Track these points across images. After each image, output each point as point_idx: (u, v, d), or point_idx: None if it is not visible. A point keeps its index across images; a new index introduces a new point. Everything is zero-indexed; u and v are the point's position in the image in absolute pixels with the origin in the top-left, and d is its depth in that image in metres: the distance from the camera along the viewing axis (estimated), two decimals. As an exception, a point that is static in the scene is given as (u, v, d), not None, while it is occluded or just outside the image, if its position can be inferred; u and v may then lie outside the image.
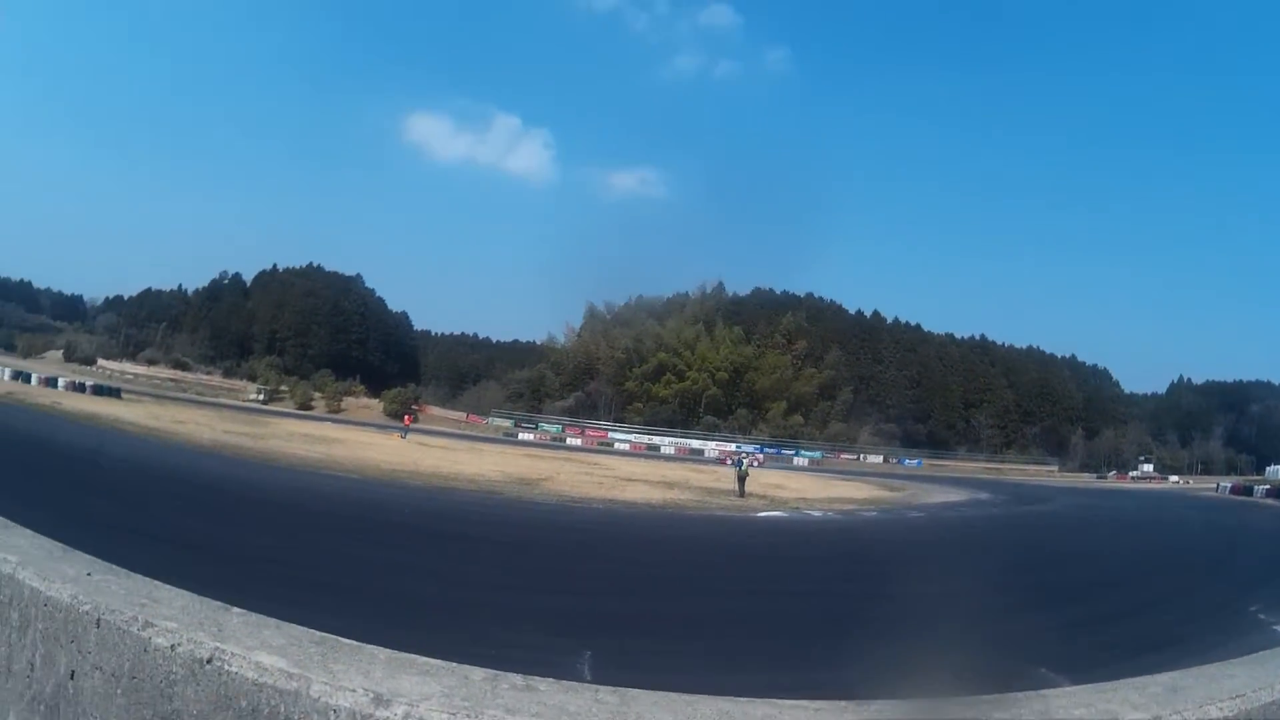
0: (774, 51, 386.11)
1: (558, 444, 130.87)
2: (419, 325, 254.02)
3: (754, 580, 22.50)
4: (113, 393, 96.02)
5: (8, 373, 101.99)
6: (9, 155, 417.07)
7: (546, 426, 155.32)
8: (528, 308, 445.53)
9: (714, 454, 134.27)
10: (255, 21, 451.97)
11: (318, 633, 2.99)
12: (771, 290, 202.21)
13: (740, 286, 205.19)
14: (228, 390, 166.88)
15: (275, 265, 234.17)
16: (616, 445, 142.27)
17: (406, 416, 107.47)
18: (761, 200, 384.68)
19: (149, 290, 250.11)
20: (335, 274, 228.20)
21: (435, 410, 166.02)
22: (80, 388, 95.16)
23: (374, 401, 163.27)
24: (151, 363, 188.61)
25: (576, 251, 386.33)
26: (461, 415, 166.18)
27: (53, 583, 3.13)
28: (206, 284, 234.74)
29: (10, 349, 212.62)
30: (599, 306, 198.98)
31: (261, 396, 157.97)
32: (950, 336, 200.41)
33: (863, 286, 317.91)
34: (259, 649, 2.75)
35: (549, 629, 14.10)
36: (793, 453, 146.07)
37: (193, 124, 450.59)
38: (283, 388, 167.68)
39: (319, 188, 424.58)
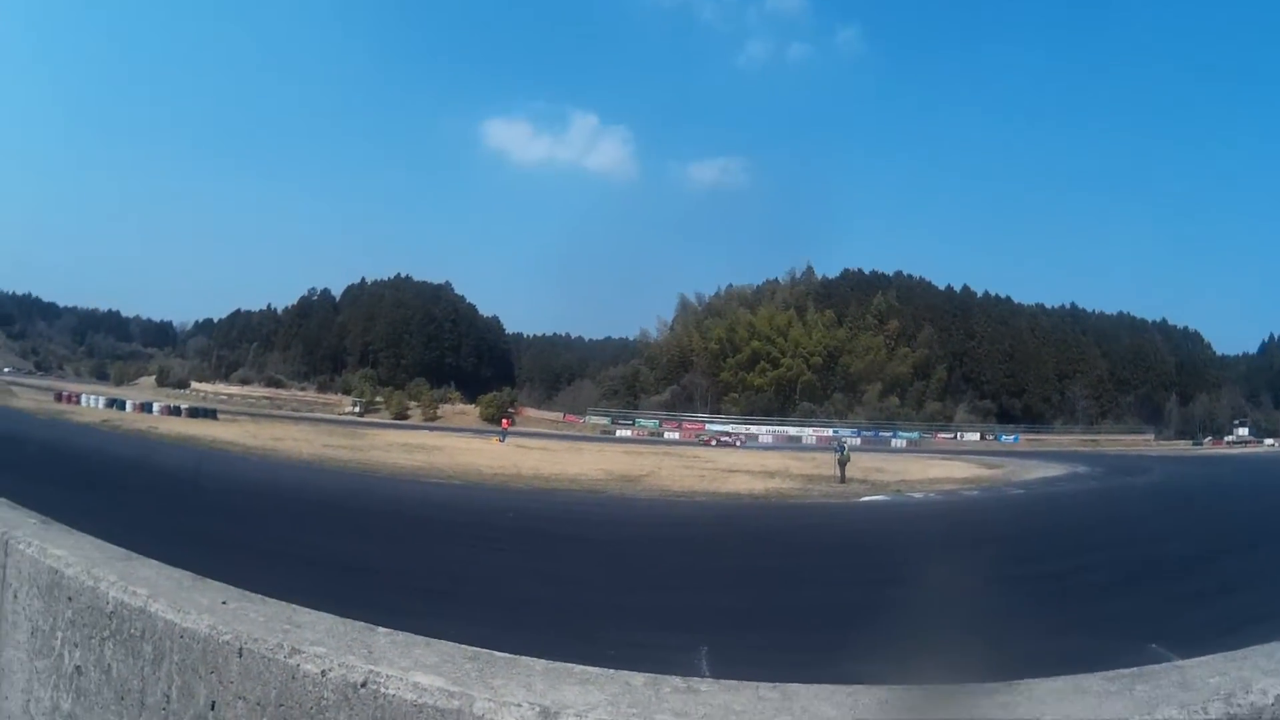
0: (845, 30, 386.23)
1: (655, 439, 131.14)
2: (511, 329, 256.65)
3: (862, 568, 22.29)
4: (208, 414, 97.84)
5: (102, 401, 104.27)
6: (91, 190, 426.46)
7: (644, 422, 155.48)
8: (619, 304, 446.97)
9: (812, 440, 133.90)
10: (331, 42, 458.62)
11: (470, 648, 2.90)
12: (860, 271, 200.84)
13: (829, 269, 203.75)
14: (323, 405, 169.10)
15: (363, 279, 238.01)
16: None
17: (505, 420, 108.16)
18: (844, 180, 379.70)
19: (238, 311, 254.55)
20: (424, 283, 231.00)
21: (532, 412, 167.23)
22: (175, 411, 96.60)
23: (470, 407, 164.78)
24: (245, 382, 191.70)
25: (663, 245, 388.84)
26: (558, 416, 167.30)
27: (188, 614, 3.06)
28: (295, 301, 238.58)
29: (103, 378, 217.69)
30: (690, 298, 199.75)
31: (357, 409, 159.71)
32: (1040, 307, 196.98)
33: (951, 260, 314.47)
34: (414, 669, 2.67)
35: (663, 626, 14.04)
36: (890, 435, 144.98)
37: (273, 145, 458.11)
38: (378, 399, 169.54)
39: (404, 200, 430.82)
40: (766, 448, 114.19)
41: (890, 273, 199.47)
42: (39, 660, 3.79)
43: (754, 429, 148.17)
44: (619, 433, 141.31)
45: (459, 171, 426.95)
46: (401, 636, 2.98)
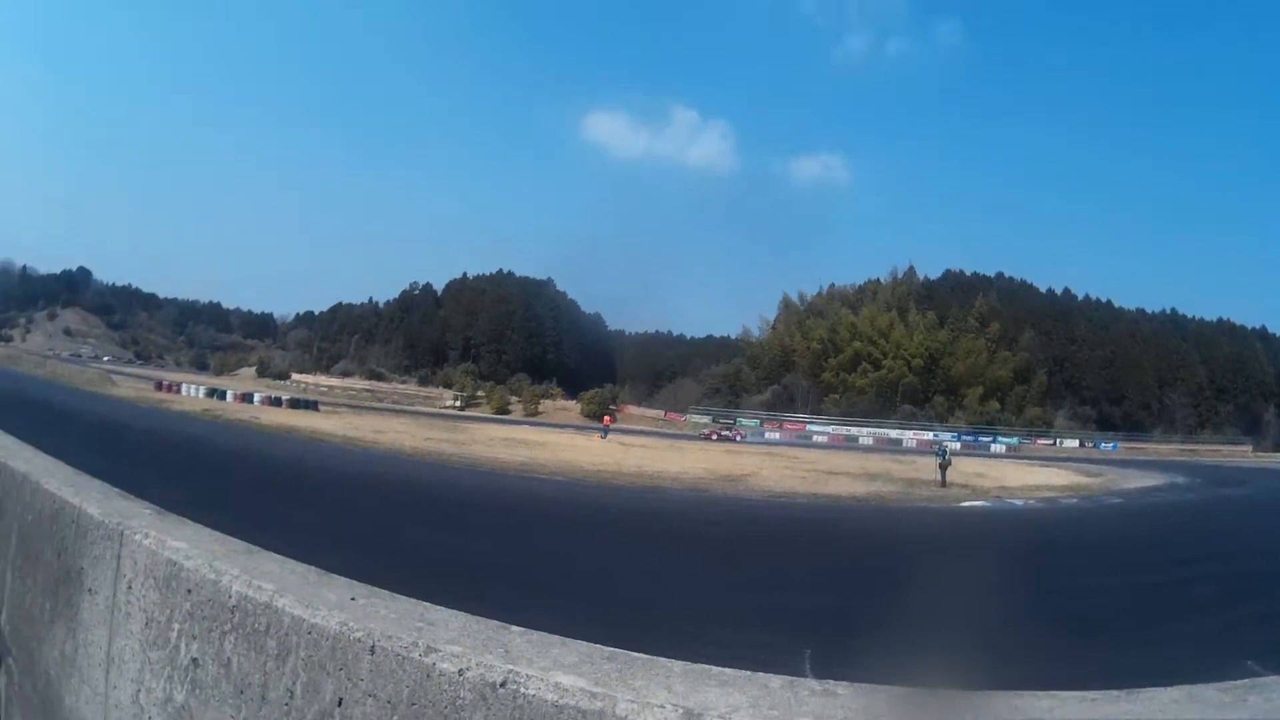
0: (944, 24, 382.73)
1: (756, 439, 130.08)
2: (613, 325, 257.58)
3: (961, 574, 22.11)
4: (309, 405, 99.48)
5: (203, 390, 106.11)
6: (191, 184, 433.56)
7: (745, 421, 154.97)
8: (721, 302, 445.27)
9: (912, 443, 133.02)
10: (431, 37, 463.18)
11: (606, 648, 2.83)
12: (962, 272, 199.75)
13: (931, 269, 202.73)
14: (424, 398, 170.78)
15: (465, 273, 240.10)
16: (815, 438, 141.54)
17: (606, 417, 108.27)
18: (944, 178, 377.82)
19: (339, 304, 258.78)
20: (526, 279, 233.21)
21: (633, 409, 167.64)
22: (277, 402, 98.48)
23: (571, 403, 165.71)
24: (346, 375, 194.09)
25: (765, 241, 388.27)
26: (659, 413, 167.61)
27: (317, 609, 3.01)
28: (397, 295, 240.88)
29: (203, 368, 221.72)
30: (793, 297, 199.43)
31: (458, 403, 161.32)
32: (1141, 312, 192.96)
33: (1051, 263, 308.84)
34: (553, 668, 2.59)
35: (766, 626, 13.93)
36: (990, 439, 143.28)
37: (375, 141, 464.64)
38: (479, 393, 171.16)
39: (505, 195, 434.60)
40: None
41: (991, 274, 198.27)
42: (153, 651, 3.76)
43: (854, 430, 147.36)
44: (720, 432, 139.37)
45: (559, 166, 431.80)
46: (537, 635, 2.93)
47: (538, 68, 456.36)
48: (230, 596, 3.34)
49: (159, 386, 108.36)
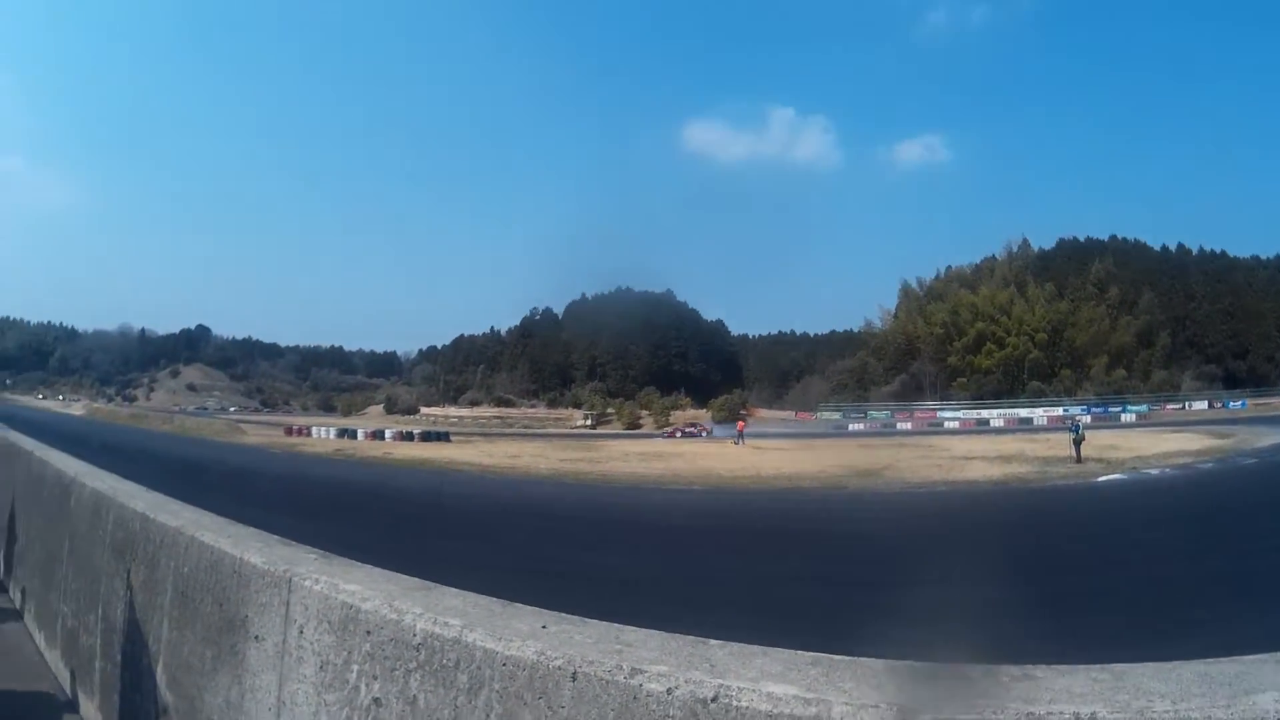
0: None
1: (888, 430, 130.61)
2: (736, 330, 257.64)
3: (1115, 550, 21.78)
4: (441, 437, 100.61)
5: (333, 431, 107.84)
6: (304, 239, 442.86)
7: (874, 414, 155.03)
8: (840, 296, 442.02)
9: (1042, 421, 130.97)
10: (532, 61, 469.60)
11: (807, 653, 2.78)
12: (1075, 239, 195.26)
13: (1044, 240, 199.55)
14: (554, 420, 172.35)
15: (583, 294, 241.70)
16: (945, 424, 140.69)
17: (740, 422, 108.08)
18: (1047, 142, 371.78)
19: (461, 336, 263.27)
20: (645, 293, 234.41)
21: (763, 412, 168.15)
22: (408, 436, 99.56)
23: (701, 412, 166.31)
24: (474, 404, 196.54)
25: (878, 230, 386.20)
26: (789, 414, 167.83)
27: (510, 641, 2.98)
28: (518, 322, 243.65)
29: (330, 410, 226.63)
30: (911, 283, 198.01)
31: (589, 422, 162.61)
32: (1256, 259, 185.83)
33: (1163, 216, 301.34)
34: (762, 678, 2.54)
35: (929, 621, 13.68)
36: (1120, 409, 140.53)
37: (480, 174, 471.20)
38: (609, 410, 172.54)
39: (615, 212, 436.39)
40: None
41: (1105, 237, 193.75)
42: (329, 693, 3.79)
43: (984, 413, 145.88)
44: (851, 427, 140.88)
45: (665, 178, 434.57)
46: (736, 647, 2.89)
47: (634, 84, 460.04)
48: (415, 635, 3.34)
49: (289, 431, 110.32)
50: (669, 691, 2.54)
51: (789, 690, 2.46)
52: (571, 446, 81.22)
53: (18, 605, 11.23)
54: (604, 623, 3.13)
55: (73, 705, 7.81)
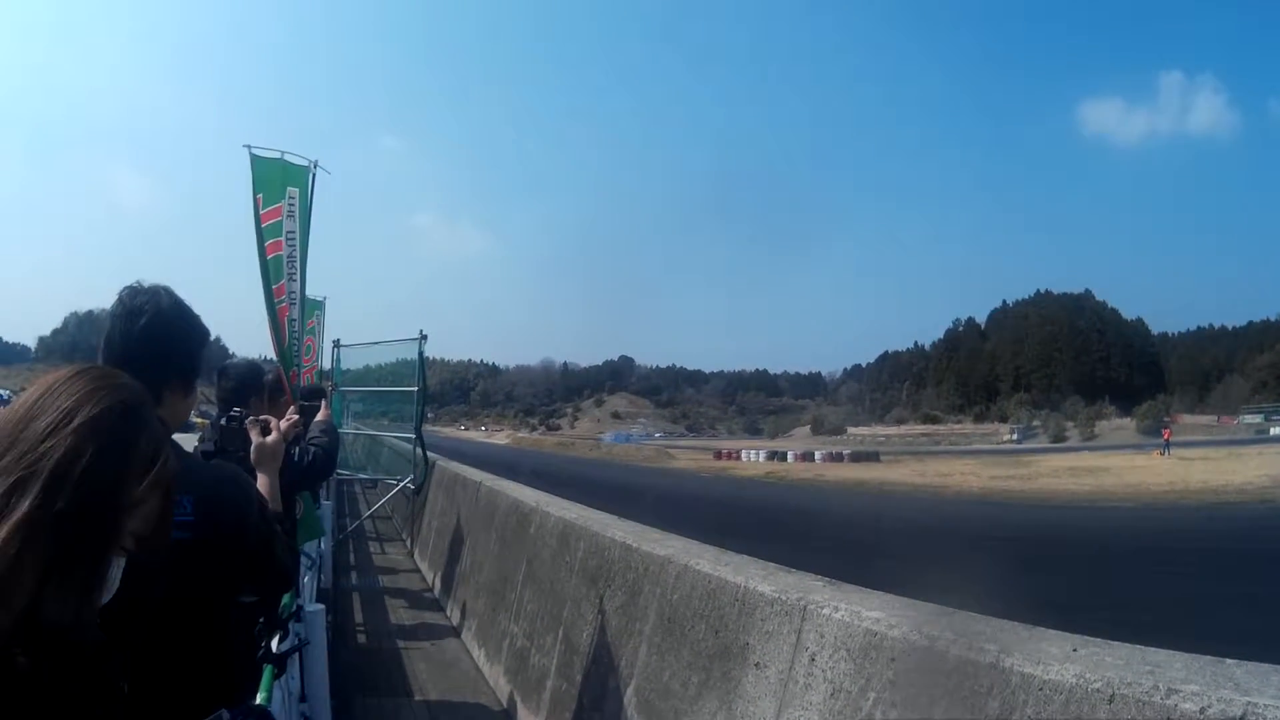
0: None
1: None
2: (1156, 328, 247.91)
3: None
4: (870, 457, 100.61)
5: (762, 454, 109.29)
6: (728, 266, 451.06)
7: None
8: (1257, 279, 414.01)
9: None
10: (927, 65, 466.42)
11: None
12: None
13: None
14: (980, 435, 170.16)
15: (1004, 301, 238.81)
16: None
17: (1165, 431, 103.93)
18: None
19: (886, 353, 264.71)
20: (1065, 295, 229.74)
21: (1186, 418, 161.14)
22: (838, 457, 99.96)
23: (1126, 421, 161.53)
24: (900, 421, 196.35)
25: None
26: (1212, 419, 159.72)
27: (1049, 665, 3.07)
28: (942, 335, 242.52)
29: (756, 433, 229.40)
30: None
31: (1015, 435, 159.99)
32: None
33: None
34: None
35: None
36: None
37: (896, 186, 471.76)
38: (1035, 423, 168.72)
39: (1023, 211, 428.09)
40: None
41: None
42: None
43: None
44: (1274, 431, 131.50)
45: (1064, 169, 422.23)
46: (1251, 665, 2.92)
47: (1011, 78, 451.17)
48: (947, 661, 3.42)
49: (717, 455, 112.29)
50: (1202, 711, 2.59)
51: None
52: (1001, 463, 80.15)
53: (455, 624, 12.20)
54: (1128, 644, 3.20)
55: (509, 717, 8.53)
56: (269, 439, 4.32)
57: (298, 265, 10.46)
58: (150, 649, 2.79)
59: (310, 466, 6.72)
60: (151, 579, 2.45)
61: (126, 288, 3.32)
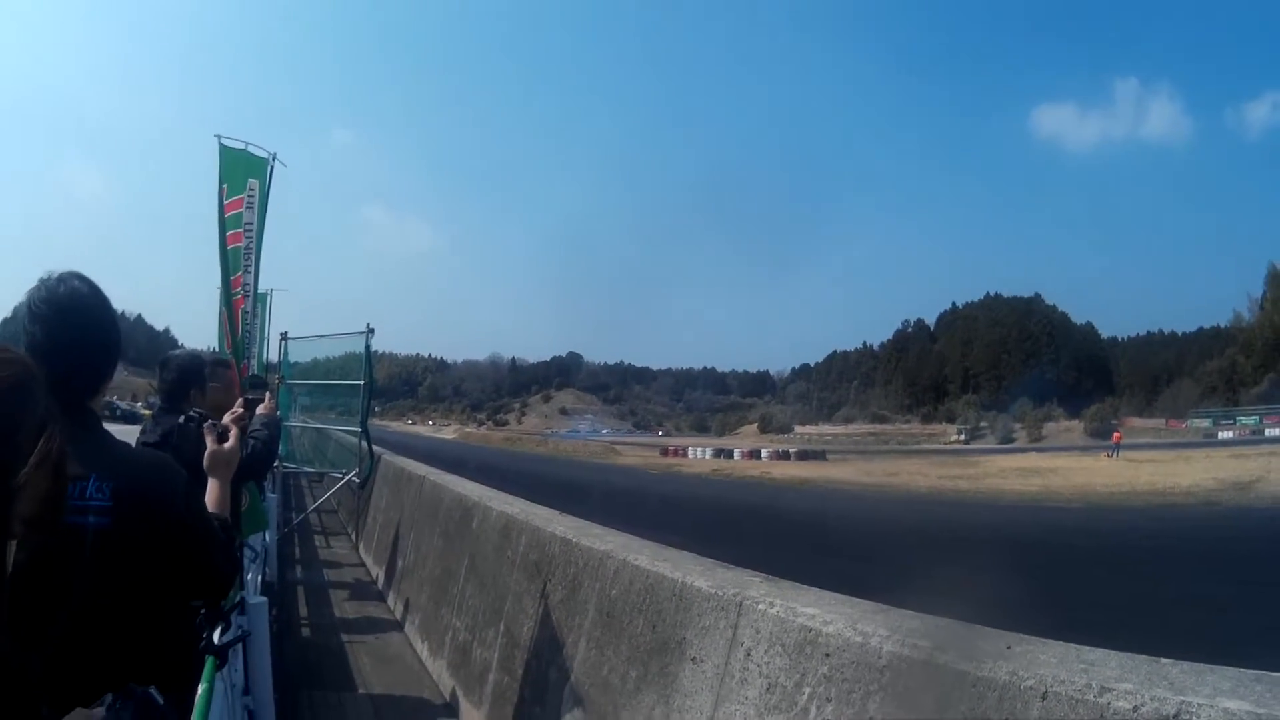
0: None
1: (1258, 438, 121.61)
2: (1105, 332, 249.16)
3: None
4: (817, 455, 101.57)
5: (709, 451, 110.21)
6: (679, 265, 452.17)
7: (1243, 420, 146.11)
8: (1208, 285, 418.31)
9: None
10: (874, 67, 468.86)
11: (1250, 671, 2.80)
12: None
13: None
14: (928, 436, 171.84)
15: (954, 303, 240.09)
16: None
17: (1115, 433, 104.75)
18: None
19: (834, 353, 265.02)
20: (1015, 299, 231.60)
21: (1135, 421, 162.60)
22: (785, 455, 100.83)
23: (1073, 423, 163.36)
24: (848, 421, 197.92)
25: (1241, 206, 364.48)
26: (1160, 422, 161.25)
27: (982, 662, 3.07)
28: (891, 336, 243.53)
29: (704, 430, 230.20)
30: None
31: (962, 436, 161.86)
32: None
33: None
34: (1217, 695, 2.57)
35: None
36: None
37: (846, 186, 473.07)
38: (982, 424, 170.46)
39: (974, 214, 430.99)
40: None
41: None
42: (773, 715, 3.89)
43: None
44: (1221, 435, 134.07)
45: (1017, 172, 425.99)
46: (1186, 664, 2.92)
47: (971, 79, 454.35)
48: (880, 657, 3.43)
49: (664, 452, 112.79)
50: (1135, 709, 2.59)
51: (1242, 706, 2.49)
52: (948, 463, 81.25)
53: (399, 617, 12.16)
54: (1062, 642, 3.20)
55: (452, 710, 8.49)
56: (225, 445, 4.25)
57: (254, 258, 10.56)
58: (74, 640, 2.74)
59: (249, 459, 6.66)
60: (68, 566, 2.40)
61: (43, 278, 3.26)
